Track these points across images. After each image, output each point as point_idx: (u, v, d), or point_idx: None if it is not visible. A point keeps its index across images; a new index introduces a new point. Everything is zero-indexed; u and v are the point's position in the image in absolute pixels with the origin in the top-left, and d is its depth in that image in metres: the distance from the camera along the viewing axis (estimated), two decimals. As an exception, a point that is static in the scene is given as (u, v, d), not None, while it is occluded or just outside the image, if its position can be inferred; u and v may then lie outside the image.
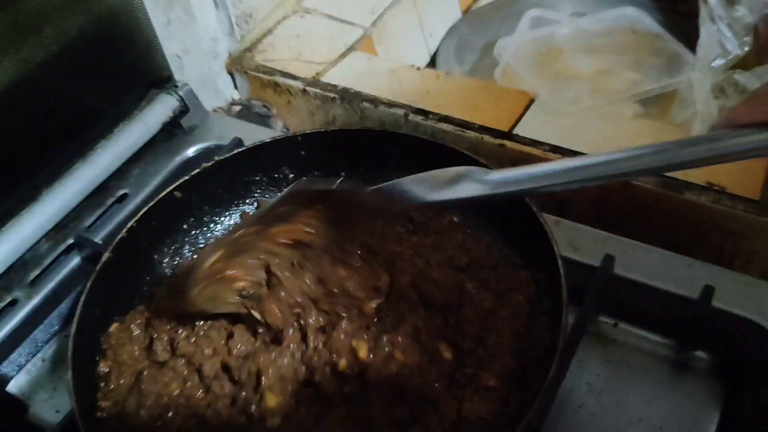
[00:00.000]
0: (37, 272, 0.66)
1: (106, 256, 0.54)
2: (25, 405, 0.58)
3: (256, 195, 0.63)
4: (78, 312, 0.50)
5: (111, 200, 0.71)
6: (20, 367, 0.61)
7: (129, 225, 0.55)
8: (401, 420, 0.44)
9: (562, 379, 0.45)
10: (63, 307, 0.63)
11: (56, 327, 0.63)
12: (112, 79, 0.73)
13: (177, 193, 0.58)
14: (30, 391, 0.60)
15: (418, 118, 0.78)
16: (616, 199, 0.73)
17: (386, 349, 0.46)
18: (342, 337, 0.46)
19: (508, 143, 0.75)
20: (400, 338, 0.46)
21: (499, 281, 0.52)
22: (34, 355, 0.62)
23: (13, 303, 0.64)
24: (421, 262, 0.52)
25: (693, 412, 0.52)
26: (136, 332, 0.52)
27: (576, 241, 0.61)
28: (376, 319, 0.48)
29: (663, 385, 0.54)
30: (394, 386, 0.45)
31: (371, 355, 0.46)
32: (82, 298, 0.51)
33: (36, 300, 0.64)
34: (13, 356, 0.61)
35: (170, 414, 0.47)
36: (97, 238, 0.66)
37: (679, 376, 0.55)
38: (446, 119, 0.78)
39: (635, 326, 0.57)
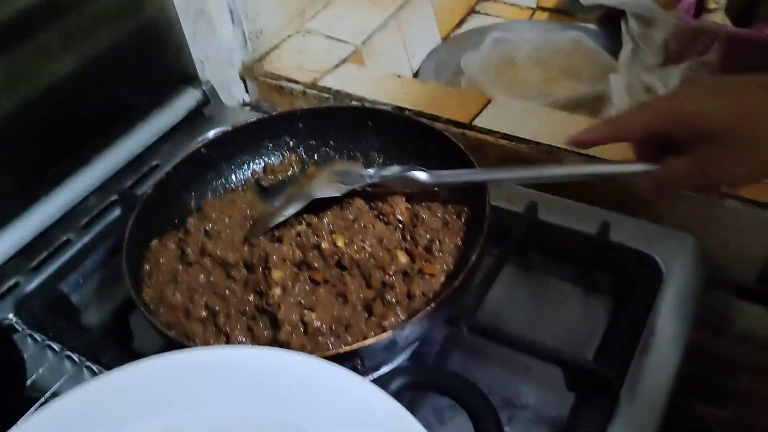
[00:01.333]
0: (86, 219, 0.83)
1: (149, 191, 0.71)
2: (78, 310, 0.75)
3: (263, 156, 0.80)
4: (128, 228, 0.67)
5: (146, 168, 0.88)
6: (74, 289, 0.78)
7: (166, 170, 0.73)
8: (367, 298, 0.61)
9: (477, 268, 0.61)
10: (107, 244, 0.80)
11: (102, 260, 0.80)
12: (150, 75, 0.91)
13: (203, 150, 0.76)
14: (82, 305, 0.77)
15: (396, 111, 0.96)
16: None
17: (357, 244, 0.63)
18: (324, 228, 0.64)
19: (468, 132, 0.92)
20: (368, 239, 0.64)
21: (446, 212, 0.69)
22: (84, 281, 0.79)
23: (68, 242, 0.81)
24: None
25: (589, 320, 0.69)
26: (171, 246, 0.69)
27: (512, 198, 0.78)
28: (352, 222, 0.66)
29: (570, 298, 0.70)
30: (363, 273, 0.62)
31: (346, 245, 0.63)
32: (131, 220, 0.68)
33: (85, 239, 0.81)
34: (69, 279, 0.77)
35: (197, 295, 0.63)
36: (136, 194, 0.83)
37: (582, 293, 0.71)
38: (419, 114, 0.95)
39: (551, 257, 0.74)
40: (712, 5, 0.94)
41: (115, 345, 0.68)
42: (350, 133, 0.78)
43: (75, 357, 0.67)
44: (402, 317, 0.60)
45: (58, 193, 0.82)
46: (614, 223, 0.72)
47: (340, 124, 0.78)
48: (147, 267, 0.67)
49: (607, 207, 0.77)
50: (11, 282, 0.76)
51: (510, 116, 0.93)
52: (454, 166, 0.72)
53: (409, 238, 0.67)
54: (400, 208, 0.69)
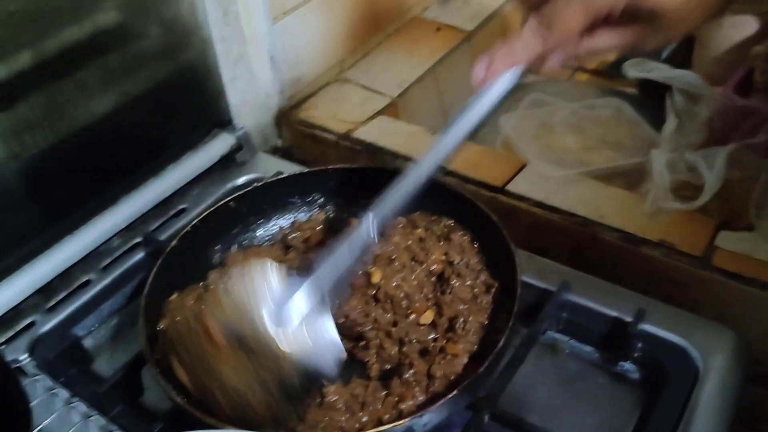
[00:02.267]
0: (108, 261, 0.81)
1: (174, 242, 0.70)
2: (91, 356, 0.73)
3: (292, 212, 0.79)
4: (149, 281, 0.66)
5: (173, 212, 0.87)
6: (89, 333, 0.76)
7: (193, 223, 0.72)
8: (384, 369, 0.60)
9: (504, 352, 0.59)
10: (127, 289, 0.79)
11: (120, 305, 0.79)
12: (186, 117, 0.91)
13: (231, 204, 0.74)
14: (95, 350, 0.75)
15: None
16: (587, 250, 0.87)
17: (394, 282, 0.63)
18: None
19: (500, 196, 0.90)
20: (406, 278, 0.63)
21: (475, 284, 0.67)
22: (100, 325, 0.77)
23: (87, 282, 0.80)
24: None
25: (618, 412, 0.65)
26: (190, 302, 0.67)
27: (543, 272, 0.75)
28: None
29: (599, 388, 0.67)
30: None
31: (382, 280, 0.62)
32: (153, 271, 0.67)
33: (105, 281, 0.79)
34: (84, 323, 0.76)
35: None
36: (161, 238, 0.82)
37: (612, 383, 0.68)
38: (451, 173, 0.94)
39: (581, 341, 0.71)
40: (760, 84, 0.92)
41: (124, 399, 0.66)
42: (381, 193, 0.76)
43: (83, 407, 0.66)
44: (420, 398, 0.57)
45: (83, 232, 0.81)
46: (650, 310, 0.69)
47: (371, 184, 0.76)
48: (162, 324, 0.65)
49: (641, 290, 0.74)
50: (27, 321, 0.75)
51: (545, 183, 0.91)
52: (484, 235, 0.70)
53: (438, 294, 0.65)
54: (435, 256, 0.67)
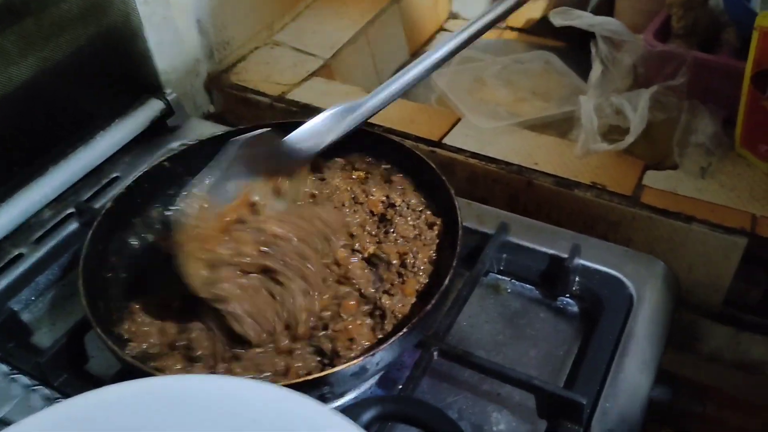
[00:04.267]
0: (40, 233, 0.79)
1: (108, 204, 0.68)
2: (30, 329, 0.71)
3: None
4: (85, 245, 0.64)
5: (105, 181, 0.85)
6: (26, 305, 0.74)
7: (127, 184, 0.70)
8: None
9: (450, 290, 0.60)
10: (63, 260, 0.77)
11: (56, 276, 0.76)
12: (113, 83, 0.88)
13: (165, 163, 0.73)
14: (33, 324, 0.73)
15: (366, 129, 0.94)
16: (523, 196, 0.89)
17: None
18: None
19: (438, 150, 0.92)
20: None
21: (418, 220, 0.68)
22: (37, 298, 0.75)
23: (19, 256, 0.77)
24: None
25: (559, 344, 0.68)
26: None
27: (482, 217, 0.77)
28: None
29: (540, 322, 0.70)
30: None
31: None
32: (89, 235, 0.65)
33: (39, 254, 0.77)
34: (20, 296, 0.73)
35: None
36: (95, 207, 0.80)
37: (552, 317, 0.70)
38: (389, 131, 0.94)
39: (521, 280, 0.73)
40: (678, 30, 0.95)
41: (68, 368, 0.65)
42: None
43: (25, 380, 0.64)
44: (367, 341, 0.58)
45: (11, 204, 0.78)
46: (584, 246, 0.71)
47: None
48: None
49: (576, 231, 0.76)
50: (-42, 297, 0.72)
51: (479, 135, 0.93)
52: (423, 181, 0.71)
53: (381, 235, 0.66)
54: (376, 197, 0.69)
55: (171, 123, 0.92)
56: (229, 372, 0.56)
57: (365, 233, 0.66)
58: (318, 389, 0.53)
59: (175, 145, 0.89)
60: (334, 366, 0.54)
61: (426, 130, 0.95)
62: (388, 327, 0.58)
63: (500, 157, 0.90)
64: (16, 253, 0.77)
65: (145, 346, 0.60)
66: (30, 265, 0.76)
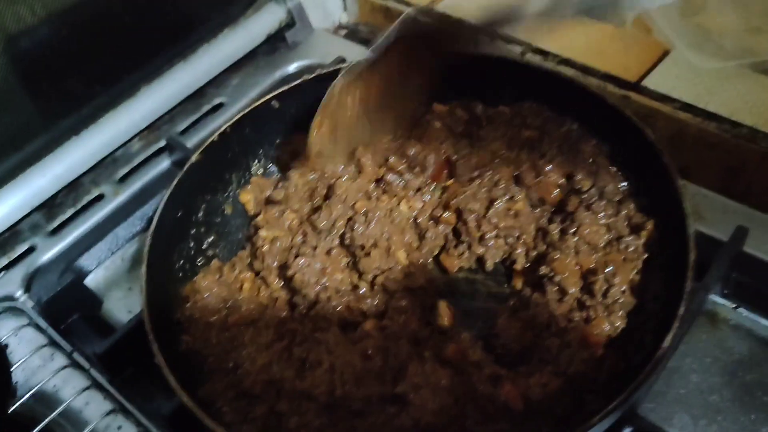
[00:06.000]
0: (126, 170, 0.67)
1: (194, 157, 0.52)
2: (99, 300, 0.58)
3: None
4: (158, 212, 0.49)
5: (206, 107, 0.71)
6: (99, 263, 0.62)
7: (222, 129, 0.54)
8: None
9: (670, 355, 0.40)
10: (147, 208, 0.63)
11: (138, 227, 0.63)
12: (222, -17, 0.71)
13: (274, 103, 0.56)
14: (106, 288, 0.61)
15: (537, 58, 0.73)
16: (748, 173, 0.65)
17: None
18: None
19: (633, 95, 0.69)
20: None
21: (616, 219, 0.46)
22: (113, 253, 0.62)
23: (100, 198, 0.65)
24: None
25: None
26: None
27: (702, 209, 0.55)
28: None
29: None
30: None
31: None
32: (164, 198, 0.50)
33: (122, 197, 0.65)
34: (94, 251, 0.62)
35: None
36: (189, 144, 0.65)
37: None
38: (567, 62, 0.73)
39: (758, 312, 0.50)
40: None
41: (132, 362, 0.51)
42: (476, 80, 0.56)
43: (84, 364, 0.51)
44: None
45: (93, 132, 0.66)
46: None
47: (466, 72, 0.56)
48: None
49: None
50: (26, 245, 0.62)
51: (695, 78, 0.70)
52: (625, 150, 0.50)
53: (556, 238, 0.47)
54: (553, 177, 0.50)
55: (291, 38, 0.76)
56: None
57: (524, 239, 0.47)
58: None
59: (292, 67, 0.73)
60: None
61: (619, 66, 0.73)
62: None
63: (724, 113, 0.66)
64: (97, 193, 0.65)
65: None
66: (110, 211, 0.64)
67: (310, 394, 0.41)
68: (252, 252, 0.52)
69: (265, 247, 0.51)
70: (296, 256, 0.49)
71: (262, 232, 0.52)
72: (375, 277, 0.49)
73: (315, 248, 0.50)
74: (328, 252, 0.50)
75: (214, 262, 0.52)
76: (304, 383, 0.42)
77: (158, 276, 0.47)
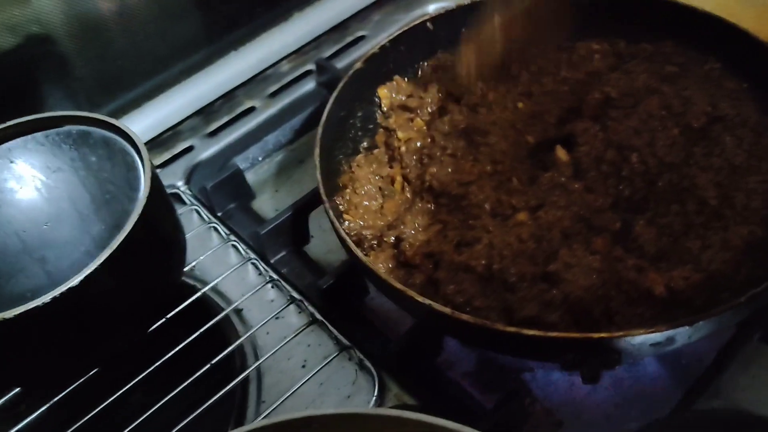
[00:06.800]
0: (276, 87, 0.71)
1: (357, 65, 0.56)
2: (253, 194, 0.64)
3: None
4: (329, 105, 0.54)
5: (350, 38, 0.74)
6: (252, 165, 0.66)
7: (382, 43, 0.58)
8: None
9: None
10: (295, 121, 0.68)
11: (287, 139, 0.68)
12: None
13: (429, 25, 0.59)
14: (256, 186, 0.65)
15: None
16: None
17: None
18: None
19: None
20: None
21: (756, 147, 0.48)
22: (263, 159, 0.67)
23: (252, 109, 0.69)
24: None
25: None
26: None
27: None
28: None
29: None
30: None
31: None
32: (332, 97, 0.55)
33: (272, 110, 0.69)
34: (246, 153, 0.66)
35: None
36: (337, 66, 0.69)
37: None
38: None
39: None
40: None
41: (287, 245, 0.57)
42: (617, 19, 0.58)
43: (241, 248, 0.56)
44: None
45: (249, 49, 0.71)
46: None
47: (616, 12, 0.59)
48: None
49: None
50: (186, 144, 0.67)
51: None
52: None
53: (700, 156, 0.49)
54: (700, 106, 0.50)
55: (432, -21, 0.78)
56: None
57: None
58: (603, 354, 0.39)
59: (431, 8, 0.75)
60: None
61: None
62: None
63: None
64: (249, 105, 0.70)
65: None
66: (261, 121, 0.68)
67: (468, 266, 0.45)
68: (389, 154, 0.56)
69: (402, 148, 0.55)
70: (430, 158, 0.54)
71: (399, 133, 0.56)
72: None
73: (445, 149, 0.54)
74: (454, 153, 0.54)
75: (368, 157, 0.57)
76: (461, 257, 0.46)
77: (323, 162, 0.52)
